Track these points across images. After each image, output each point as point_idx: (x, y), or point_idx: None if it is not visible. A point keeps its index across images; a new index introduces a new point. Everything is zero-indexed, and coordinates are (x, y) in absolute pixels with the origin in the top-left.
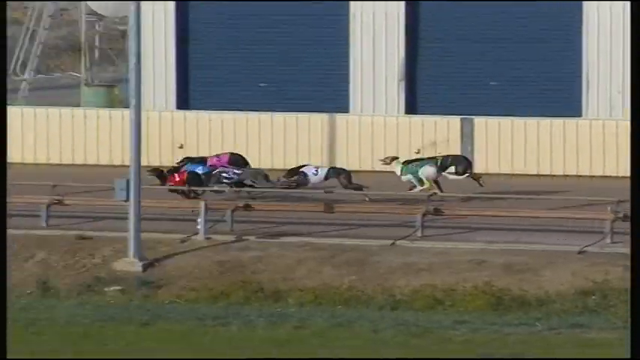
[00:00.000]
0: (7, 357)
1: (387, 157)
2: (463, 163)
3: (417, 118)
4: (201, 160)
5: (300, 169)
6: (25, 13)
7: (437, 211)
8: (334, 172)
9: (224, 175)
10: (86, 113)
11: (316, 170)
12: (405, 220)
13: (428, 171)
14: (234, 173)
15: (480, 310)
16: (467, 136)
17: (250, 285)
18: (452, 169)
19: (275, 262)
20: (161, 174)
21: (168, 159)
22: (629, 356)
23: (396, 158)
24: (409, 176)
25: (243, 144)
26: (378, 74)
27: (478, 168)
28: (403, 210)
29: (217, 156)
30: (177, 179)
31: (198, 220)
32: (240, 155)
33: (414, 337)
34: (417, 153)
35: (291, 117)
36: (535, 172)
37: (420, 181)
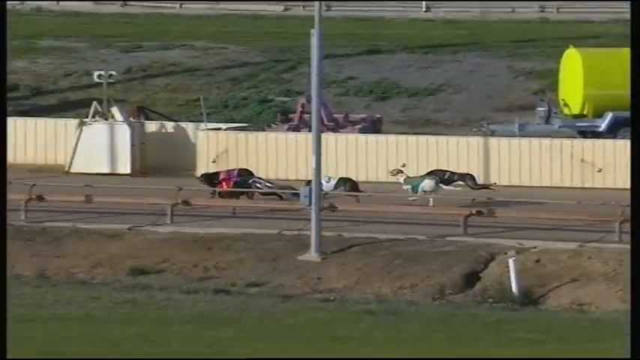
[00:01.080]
0: (8, 357)
1: (393, 170)
2: (471, 180)
3: None
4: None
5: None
6: None
7: None
8: (342, 182)
9: (257, 184)
10: None
11: (328, 179)
12: None
13: (427, 184)
14: (266, 186)
15: None
16: None
17: None
18: (459, 183)
19: None
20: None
21: None
22: (629, 356)
23: (401, 171)
24: (408, 186)
25: None
26: None
27: None
28: None
29: (227, 171)
30: (225, 186)
31: None
32: (248, 170)
33: None
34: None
35: None
36: None
37: (416, 192)
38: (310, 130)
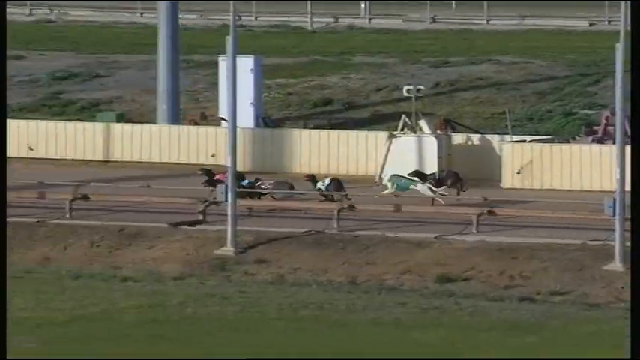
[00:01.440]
0: (7, 357)
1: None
2: (452, 177)
3: None
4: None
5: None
6: None
7: None
8: (335, 183)
9: (262, 186)
10: None
11: (323, 182)
12: None
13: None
14: (269, 185)
15: None
16: None
17: None
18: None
19: None
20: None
21: None
22: (629, 356)
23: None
24: (389, 183)
25: None
26: None
27: None
28: None
29: (224, 173)
30: None
31: None
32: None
33: None
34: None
35: None
36: None
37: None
38: (614, 143)
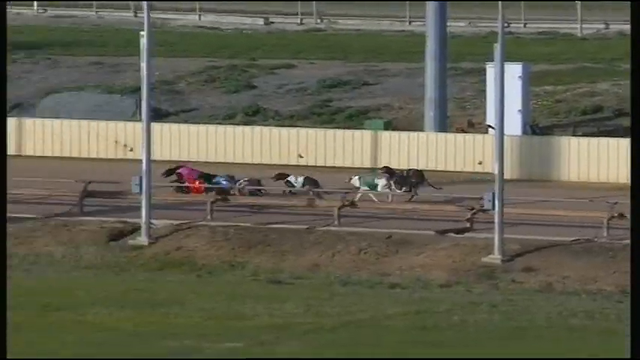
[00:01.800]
0: (7, 357)
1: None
2: (416, 177)
3: None
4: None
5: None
6: None
7: None
8: (308, 181)
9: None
10: None
11: (295, 179)
12: None
13: (380, 182)
14: (245, 181)
15: None
16: None
17: None
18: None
19: None
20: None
21: None
22: (629, 356)
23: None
24: (365, 187)
25: None
26: None
27: None
28: None
29: (189, 170)
30: (199, 186)
31: None
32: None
33: None
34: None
35: None
36: None
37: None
38: None
